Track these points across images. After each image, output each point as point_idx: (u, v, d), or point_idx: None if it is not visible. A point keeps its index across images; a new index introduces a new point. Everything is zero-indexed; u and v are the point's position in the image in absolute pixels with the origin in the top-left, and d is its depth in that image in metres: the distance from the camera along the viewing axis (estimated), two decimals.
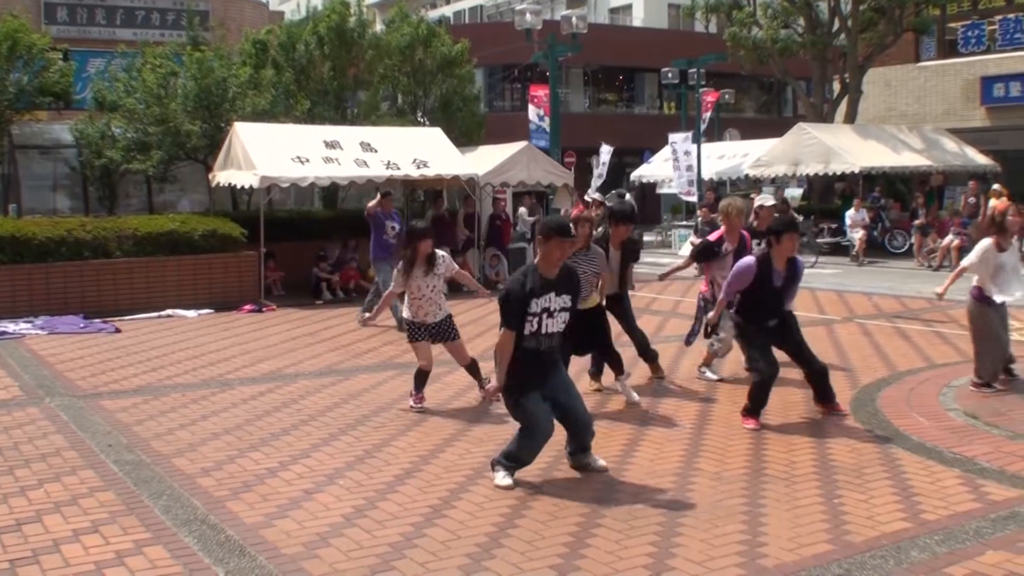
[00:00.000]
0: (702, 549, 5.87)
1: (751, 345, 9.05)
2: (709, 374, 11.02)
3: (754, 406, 8.97)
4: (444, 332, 9.91)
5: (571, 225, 7.42)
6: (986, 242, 9.89)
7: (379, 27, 28.23)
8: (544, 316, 7.06)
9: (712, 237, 10.90)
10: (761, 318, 8.95)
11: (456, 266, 10.23)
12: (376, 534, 6.19)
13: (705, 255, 10.79)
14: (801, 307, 16.95)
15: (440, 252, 9.98)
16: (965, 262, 10.16)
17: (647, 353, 11.03)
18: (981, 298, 9.96)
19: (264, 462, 7.87)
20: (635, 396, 9.90)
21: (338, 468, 7.69)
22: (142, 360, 12.67)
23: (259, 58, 25.14)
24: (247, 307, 17.76)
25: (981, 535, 6.06)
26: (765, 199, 12.19)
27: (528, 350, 7.11)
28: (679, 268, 11.57)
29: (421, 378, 9.86)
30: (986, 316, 9.96)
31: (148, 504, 6.82)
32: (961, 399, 9.53)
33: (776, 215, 11.14)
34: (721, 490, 7.02)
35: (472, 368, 10.09)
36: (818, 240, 28.75)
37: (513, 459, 7.25)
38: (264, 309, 17.79)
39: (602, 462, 7.51)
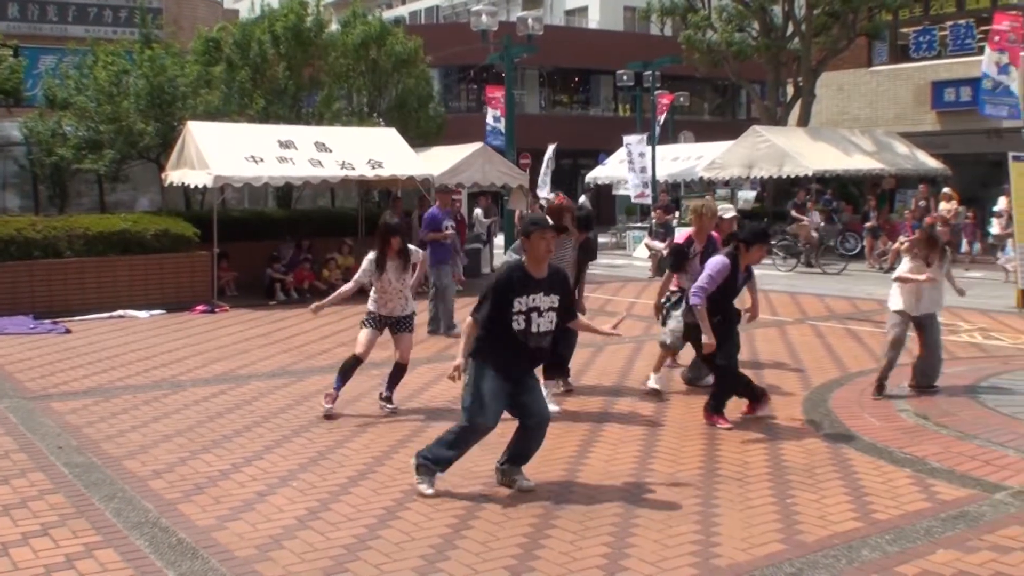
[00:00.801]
0: (656, 549, 5.88)
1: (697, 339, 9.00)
2: (652, 383, 10.61)
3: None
4: (403, 324, 9.73)
5: (548, 217, 7.40)
6: (909, 262, 9.92)
7: (335, 27, 28.11)
8: (534, 315, 6.90)
9: (680, 239, 10.82)
10: (717, 310, 8.86)
11: (420, 255, 10.11)
12: (330, 536, 6.16)
13: (679, 261, 10.52)
14: None
15: (412, 247, 9.89)
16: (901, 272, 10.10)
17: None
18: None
19: (216, 464, 7.81)
20: (556, 408, 9.50)
21: (291, 470, 7.64)
22: (93, 361, 12.54)
23: (211, 56, 24.96)
24: (200, 308, 17.63)
25: (931, 534, 6.12)
26: (727, 210, 12.16)
27: (516, 341, 6.89)
28: (665, 283, 10.97)
29: (350, 369, 9.59)
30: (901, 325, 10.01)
31: (99, 507, 6.75)
32: (912, 400, 9.63)
33: (746, 223, 11.14)
34: (675, 490, 7.05)
35: (399, 372, 9.72)
36: (771, 243, 28.95)
37: (439, 461, 7.07)
38: (217, 310, 17.67)
39: (530, 483, 7.15)
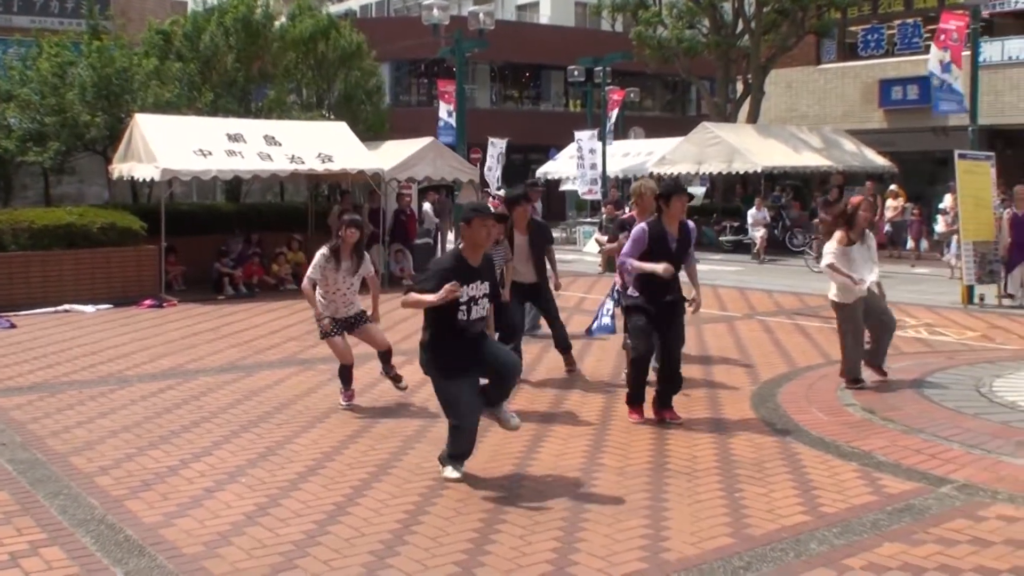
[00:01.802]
0: (605, 544, 5.90)
1: (634, 327, 8.94)
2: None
3: (634, 392, 9.05)
4: (357, 320, 9.75)
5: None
6: (831, 244, 9.94)
7: (283, 20, 27.94)
8: (472, 304, 7.02)
9: (624, 217, 10.86)
10: (658, 291, 8.75)
11: (372, 270, 9.98)
12: (279, 532, 6.12)
13: (624, 228, 10.50)
14: (703, 304, 17.16)
15: (367, 254, 9.83)
16: (824, 265, 10.16)
17: (563, 344, 11.07)
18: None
19: (164, 460, 7.74)
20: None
21: (240, 466, 7.59)
22: (38, 356, 12.38)
23: (164, 49, 24.73)
24: (147, 302, 17.46)
25: (878, 527, 6.18)
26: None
27: (457, 333, 7.03)
28: (611, 249, 10.80)
29: (345, 374, 9.72)
30: (852, 312, 10.01)
31: (44, 504, 6.66)
32: (858, 394, 9.71)
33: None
34: (624, 485, 7.07)
35: (385, 357, 9.85)
36: (720, 239, 29.21)
37: (456, 456, 7.26)
38: (164, 304, 17.51)
39: (515, 420, 7.38)
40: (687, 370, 11.28)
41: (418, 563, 5.61)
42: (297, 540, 5.98)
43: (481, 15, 26.79)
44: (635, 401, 9.08)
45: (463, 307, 6.96)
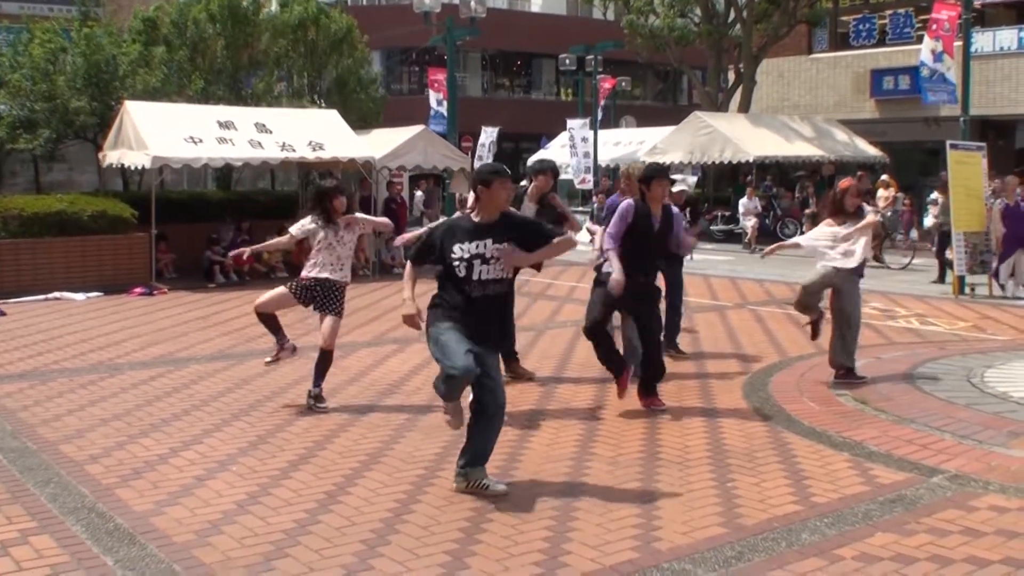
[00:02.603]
0: (597, 533, 5.89)
1: (601, 296, 9.00)
2: None
3: (612, 366, 9.07)
4: (331, 300, 9.13)
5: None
6: (823, 226, 10.01)
7: (274, 7, 27.85)
8: (476, 263, 6.67)
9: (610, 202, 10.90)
10: (637, 266, 8.82)
11: (371, 219, 9.99)
12: (270, 521, 6.10)
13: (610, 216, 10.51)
14: (694, 293, 17.21)
15: (358, 214, 9.69)
16: (801, 239, 10.20)
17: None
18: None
19: (155, 448, 7.71)
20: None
21: (231, 454, 7.57)
22: (28, 344, 12.34)
23: (149, 35, 24.63)
24: (137, 290, 17.41)
25: (870, 517, 6.18)
26: (674, 183, 12.38)
27: (460, 293, 6.70)
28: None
29: (272, 322, 9.34)
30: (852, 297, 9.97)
31: (34, 492, 6.64)
32: (850, 385, 9.71)
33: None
34: (616, 475, 7.06)
35: (324, 359, 9.14)
36: (711, 228, 29.21)
37: (476, 458, 6.72)
38: (155, 292, 17.46)
39: (501, 486, 6.72)
40: (678, 359, 11.31)
41: (409, 552, 5.60)
42: (288, 529, 5.96)
43: (473, 3, 26.76)
44: (617, 374, 9.03)
45: (459, 264, 6.65)
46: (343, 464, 7.30)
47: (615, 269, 8.73)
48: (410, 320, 6.82)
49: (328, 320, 9.11)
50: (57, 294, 16.80)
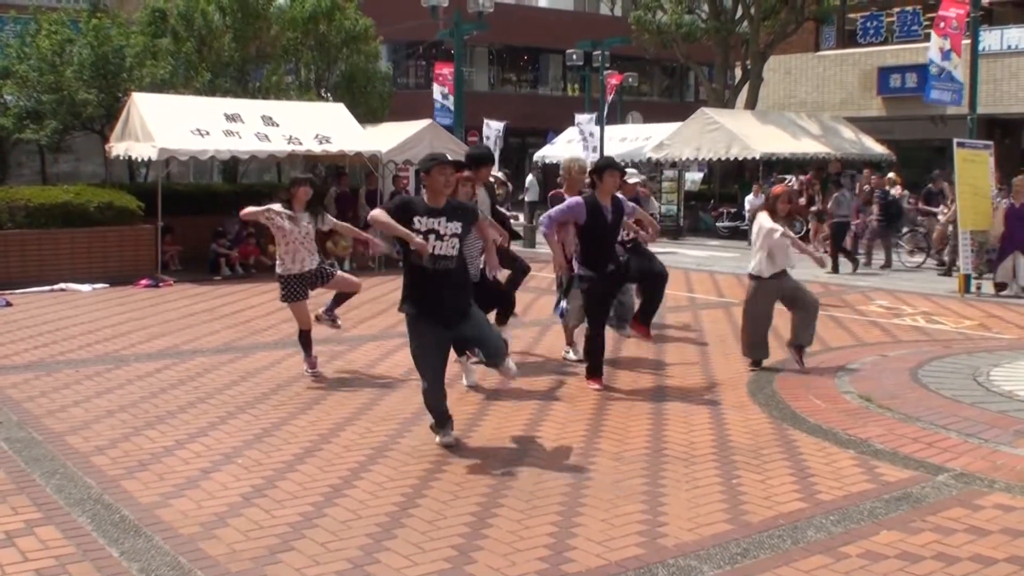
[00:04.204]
0: (603, 529, 5.89)
1: (590, 299, 9.52)
2: (571, 355, 10.93)
3: (593, 364, 9.61)
4: (321, 274, 10.15)
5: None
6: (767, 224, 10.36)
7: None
8: (432, 237, 7.35)
9: (552, 194, 11.04)
10: (602, 262, 9.37)
11: (334, 220, 10.52)
12: (275, 514, 6.10)
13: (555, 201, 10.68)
14: (700, 290, 17.23)
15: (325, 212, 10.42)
16: (777, 235, 10.40)
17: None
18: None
19: (160, 440, 7.72)
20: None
21: (236, 447, 7.57)
22: (34, 335, 12.35)
23: (157, 27, 24.62)
24: (143, 282, 17.43)
25: (875, 515, 6.18)
26: (631, 175, 12.51)
27: (416, 268, 7.41)
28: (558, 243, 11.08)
29: (306, 340, 10.14)
30: (760, 293, 10.50)
31: (40, 483, 6.65)
32: (856, 382, 9.71)
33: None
34: (622, 470, 7.06)
35: (344, 297, 10.65)
36: (717, 224, 29.19)
37: (434, 417, 7.66)
38: (161, 284, 17.48)
39: (512, 368, 8.00)
40: (683, 355, 11.32)
41: (415, 546, 5.60)
42: (294, 522, 5.97)
43: None
44: (595, 372, 9.63)
45: (417, 236, 7.33)
46: (349, 457, 7.31)
47: (554, 252, 9.48)
48: (421, 247, 7.34)
49: (337, 276, 10.42)
50: (63, 285, 16.82)
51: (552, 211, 9.51)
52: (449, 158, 7.74)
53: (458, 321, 7.49)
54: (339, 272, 10.41)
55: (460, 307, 7.52)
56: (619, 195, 9.65)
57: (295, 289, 10.01)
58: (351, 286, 10.54)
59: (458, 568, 5.34)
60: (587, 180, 10.04)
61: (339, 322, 10.91)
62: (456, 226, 7.45)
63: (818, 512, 6.23)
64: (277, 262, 10.16)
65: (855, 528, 5.97)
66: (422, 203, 7.52)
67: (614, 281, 9.62)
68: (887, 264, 21.56)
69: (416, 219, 7.34)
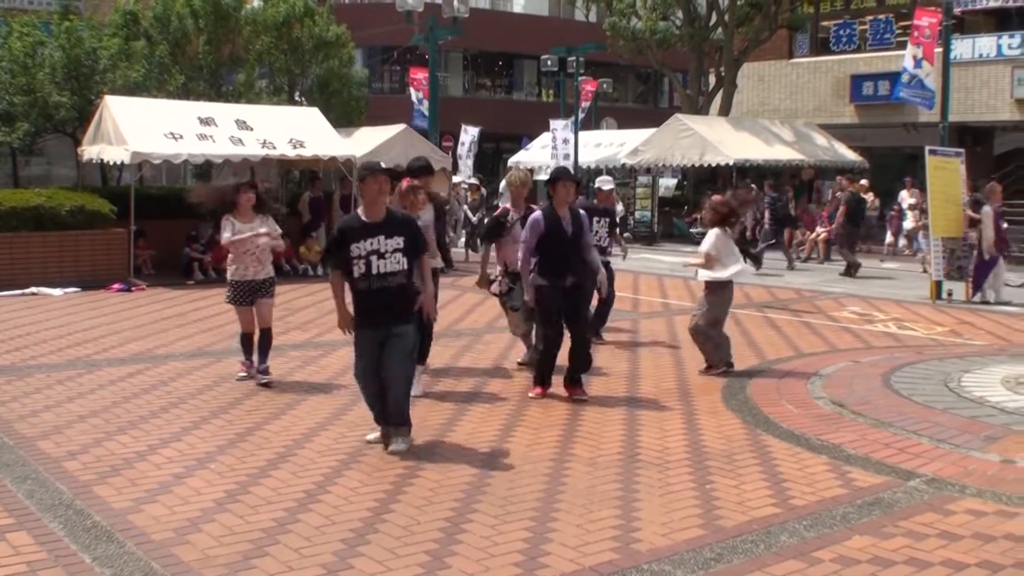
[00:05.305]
0: (577, 534, 5.90)
1: (542, 311, 9.44)
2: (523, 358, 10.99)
3: (539, 373, 9.59)
4: (263, 288, 10.04)
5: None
6: (717, 230, 10.60)
7: (256, 2, 27.74)
8: (374, 258, 7.39)
9: (497, 212, 11.01)
10: (559, 273, 9.26)
11: (280, 239, 10.36)
12: (249, 519, 6.08)
13: (497, 231, 10.57)
14: (674, 296, 17.27)
15: (275, 226, 10.23)
16: (711, 251, 10.59)
17: None
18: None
19: (132, 445, 7.68)
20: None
21: (209, 452, 7.54)
22: (4, 339, 12.26)
23: (130, 29, 24.51)
24: (115, 286, 17.34)
25: (848, 520, 6.21)
26: (604, 181, 12.58)
27: (361, 291, 7.48)
28: (485, 254, 10.93)
29: (247, 344, 10.13)
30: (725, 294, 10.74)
31: (11, 489, 6.60)
32: (828, 388, 9.76)
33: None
34: (596, 475, 7.07)
35: (265, 336, 10.06)
36: (691, 231, 29.26)
37: (375, 416, 7.83)
38: (133, 288, 17.39)
39: (401, 445, 7.55)
40: (657, 361, 11.35)
41: (389, 552, 5.60)
42: (267, 528, 5.95)
43: (455, 3, 26.72)
44: (540, 382, 9.59)
45: (359, 262, 7.40)
46: (322, 462, 7.29)
47: (526, 285, 9.47)
48: (345, 323, 7.67)
49: (265, 304, 10.03)
50: (34, 289, 16.70)
51: (524, 242, 9.35)
52: (383, 166, 7.82)
53: (392, 321, 7.50)
54: (265, 300, 9.99)
55: (397, 311, 7.56)
56: (579, 210, 9.60)
57: (240, 294, 10.03)
58: (263, 320, 9.99)
59: (432, 573, 5.33)
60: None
61: (269, 379, 9.95)
62: (398, 241, 7.46)
63: (791, 517, 6.25)
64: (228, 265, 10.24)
65: (828, 533, 6.00)
66: (358, 222, 7.52)
67: (567, 294, 9.34)
68: (849, 272, 21.36)
69: (353, 247, 7.39)
